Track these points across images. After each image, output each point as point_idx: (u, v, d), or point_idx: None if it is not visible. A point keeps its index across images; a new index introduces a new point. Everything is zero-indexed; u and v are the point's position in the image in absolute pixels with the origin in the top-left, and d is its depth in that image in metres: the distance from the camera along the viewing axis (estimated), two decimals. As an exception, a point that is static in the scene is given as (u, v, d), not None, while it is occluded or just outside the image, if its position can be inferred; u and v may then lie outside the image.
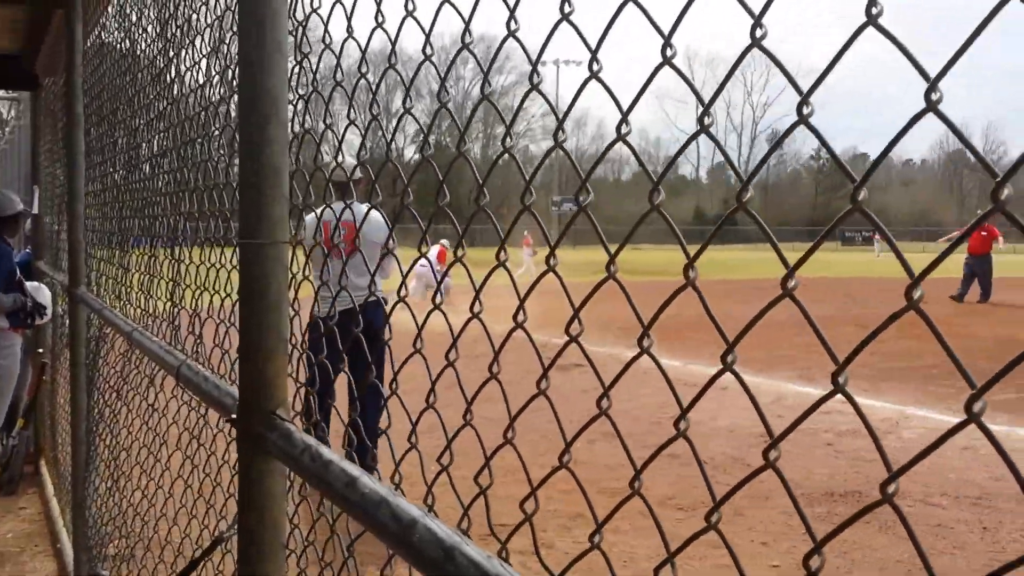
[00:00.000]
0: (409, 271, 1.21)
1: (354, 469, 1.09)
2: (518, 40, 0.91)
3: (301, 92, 1.40)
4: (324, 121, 1.34)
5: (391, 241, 1.24)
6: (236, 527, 1.36)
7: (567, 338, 0.93)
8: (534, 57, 0.90)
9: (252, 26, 1.23)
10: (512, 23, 0.90)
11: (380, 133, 1.27)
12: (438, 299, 1.16)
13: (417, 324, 1.16)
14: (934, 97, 0.56)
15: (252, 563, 1.31)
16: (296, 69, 1.41)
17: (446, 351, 1.12)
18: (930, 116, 0.60)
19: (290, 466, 1.26)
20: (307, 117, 1.42)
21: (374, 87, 1.19)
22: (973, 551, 3.92)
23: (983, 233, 16.34)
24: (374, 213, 1.43)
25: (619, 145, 0.88)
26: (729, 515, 4.41)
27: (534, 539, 1.00)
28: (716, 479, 4.87)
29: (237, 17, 1.29)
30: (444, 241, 17.23)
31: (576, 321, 0.91)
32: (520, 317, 0.99)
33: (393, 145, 1.25)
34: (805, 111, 0.65)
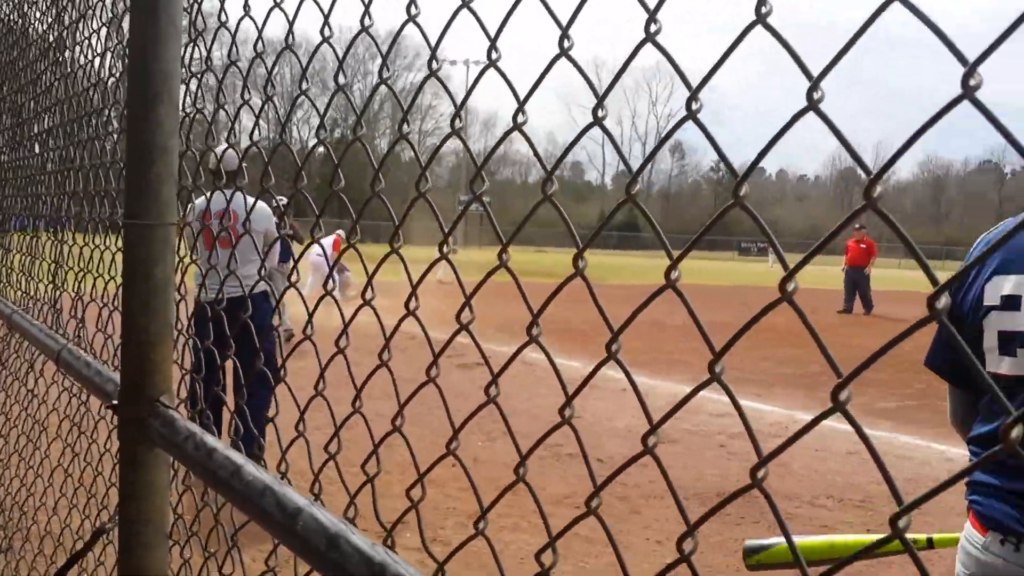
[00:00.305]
0: (300, 258, 1.19)
1: (239, 457, 1.07)
2: (418, 25, 0.91)
3: (194, 70, 1.37)
4: (216, 101, 1.31)
5: (283, 227, 1.22)
6: (118, 518, 1.31)
7: (464, 334, 0.93)
8: (436, 46, 0.90)
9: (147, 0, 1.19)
10: (412, 8, 0.90)
11: (280, 122, 1.25)
12: (330, 286, 1.15)
13: (308, 311, 1.14)
14: (816, 96, 0.58)
15: (134, 554, 1.27)
16: (190, 48, 1.37)
17: (336, 338, 1.11)
18: (824, 135, 0.63)
19: (173, 454, 1.23)
20: (199, 98, 1.38)
21: (270, 68, 1.17)
22: (852, 549, 4.11)
23: (863, 246, 17.21)
24: (260, 203, 1.40)
25: (526, 147, 0.89)
26: (625, 513, 4.49)
27: (420, 528, 1.00)
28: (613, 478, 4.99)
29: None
30: (340, 231, 16.92)
31: (467, 309, 0.92)
32: (413, 304, 0.99)
33: (296, 135, 1.22)
34: (694, 107, 0.67)
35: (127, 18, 1.44)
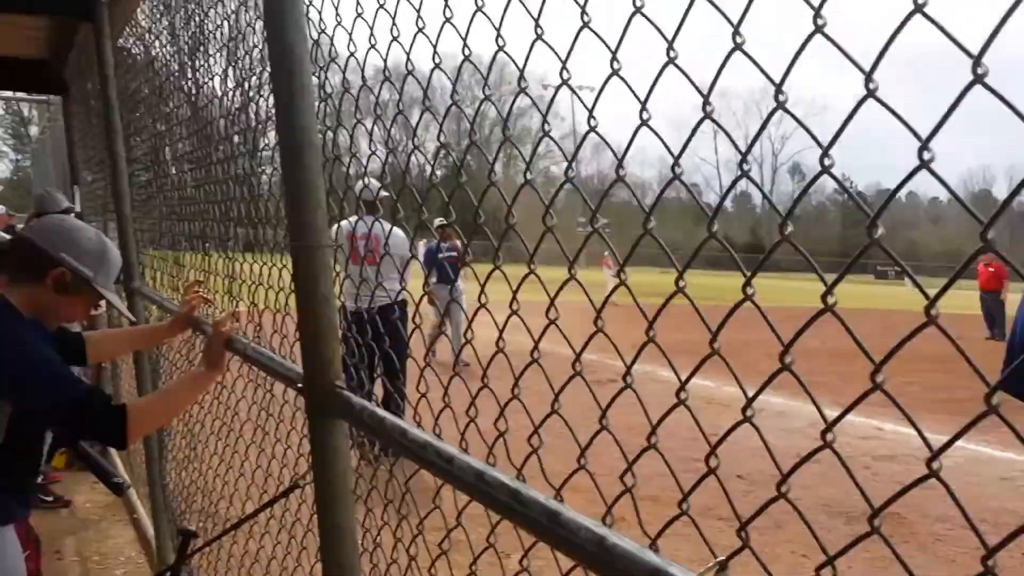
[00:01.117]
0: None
1: (401, 422, 1.26)
2: (507, 54, 1.03)
3: (328, 124, 1.60)
4: (350, 149, 1.56)
5: (413, 249, 1.44)
6: (310, 478, 1.54)
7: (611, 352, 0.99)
8: (531, 72, 1.01)
9: (283, 75, 1.46)
10: (499, 40, 1.03)
11: (404, 157, 1.41)
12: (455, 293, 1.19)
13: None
14: (873, 86, 0.62)
15: (327, 506, 1.49)
16: (322, 106, 1.58)
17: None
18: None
19: (354, 424, 1.44)
20: (336, 144, 1.62)
21: (399, 103, 1.35)
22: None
23: (991, 269, 16.75)
24: (397, 229, 1.57)
25: (640, 170, 1.07)
26: (770, 526, 4.50)
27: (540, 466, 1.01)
28: (755, 494, 4.73)
29: (269, 65, 1.52)
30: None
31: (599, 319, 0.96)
32: (552, 313, 1.04)
33: (414, 162, 1.42)
34: (781, 98, 0.74)
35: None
